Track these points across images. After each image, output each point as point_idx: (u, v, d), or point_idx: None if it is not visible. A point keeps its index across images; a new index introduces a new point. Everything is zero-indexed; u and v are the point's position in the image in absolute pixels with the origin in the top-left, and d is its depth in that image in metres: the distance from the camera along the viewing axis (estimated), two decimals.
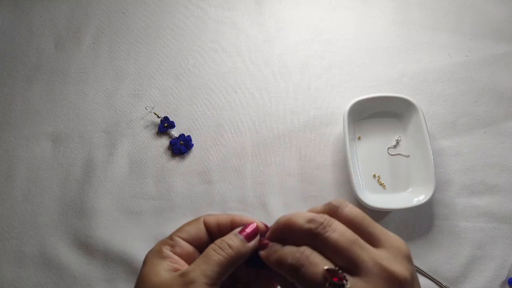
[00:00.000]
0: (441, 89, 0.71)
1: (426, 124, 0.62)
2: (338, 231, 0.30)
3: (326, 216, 0.31)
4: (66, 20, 0.78)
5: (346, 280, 0.28)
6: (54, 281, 0.60)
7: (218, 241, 0.33)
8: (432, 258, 0.61)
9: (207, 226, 0.36)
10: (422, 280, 0.60)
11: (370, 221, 0.31)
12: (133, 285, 0.34)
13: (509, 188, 0.65)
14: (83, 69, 0.74)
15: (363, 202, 0.59)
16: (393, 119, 0.67)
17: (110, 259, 0.61)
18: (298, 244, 0.31)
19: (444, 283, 0.60)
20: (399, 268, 0.28)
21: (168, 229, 0.62)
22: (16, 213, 0.64)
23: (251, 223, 0.35)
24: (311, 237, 0.30)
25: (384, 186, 0.64)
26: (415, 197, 0.60)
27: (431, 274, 0.60)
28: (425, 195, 0.59)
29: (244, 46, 0.75)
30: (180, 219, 0.64)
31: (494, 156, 0.67)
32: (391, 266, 0.28)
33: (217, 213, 0.37)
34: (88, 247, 0.62)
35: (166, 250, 0.33)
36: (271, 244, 0.33)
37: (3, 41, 0.76)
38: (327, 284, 0.27)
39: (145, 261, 0.34)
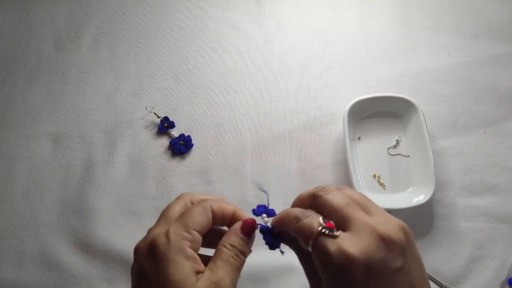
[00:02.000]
0: (441, 89, 0.71)
1: (426, 124, 0.62)
2: (336, 196, 0.33)
3: (329, 184, 0.35)
4: (66, 20, 0.78)
5: (337, 230, 0.31)
6: (54, 281, 0.60)
7: (230, 247, 0.34)
8: (432, 258, 0.61)
9: (213, 215, 0.35)
10: None
11: (368, 199, 0.34)
12: None
13: (509, 188, 0.65)
14: (83, 69, 0.74)
15: None
16: (393, 119, 0.67)
17: (110, 259, 0.61)
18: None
19: (444, 283, 0.60)
20: (385, 230, 0.30)
21: None
22: (16, 213, 0.64)
23: (249, 220, 0.36)
24: (313, 199, 0.34)
25: (384, 186, 0.64)
26: (415, 197, 0.60)
27: (431, 274, 0.60)
28: (425, 195, 0.59)
29: (244, 46, 0.75)
30: None
31: (494, 156, 0.67)
32: (378, 227, 0.30)
33: (214, 198, 0.37)
34: (88, 247, 0.62)
35: (189, 249, 0.32)
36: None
37: (3, 41, 0.76)
38: (320, 228, 0.31)
39: (167, 256, 0.31)
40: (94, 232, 0.62)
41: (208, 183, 0.66)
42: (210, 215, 0.34)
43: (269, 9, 0.78)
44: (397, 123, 0.67)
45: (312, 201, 0.34)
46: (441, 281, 0.60)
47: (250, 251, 0.35)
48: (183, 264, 0.31)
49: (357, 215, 0.31)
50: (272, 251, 0.37)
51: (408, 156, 0.66)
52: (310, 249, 0.31)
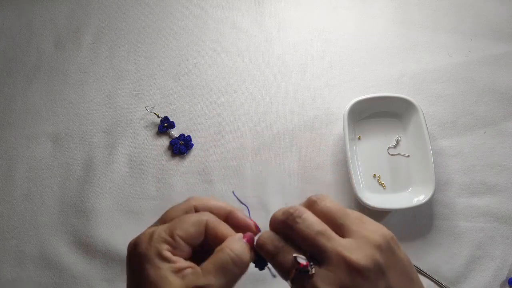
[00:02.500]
0: (441, 89, 0.71)
1: (426, 124, 0.62)
2: (307, 222, 0.32)
3: (298, 207, 0.33)
4: (66, 20, 0.78)
5: (312, 268, 0.30)
6: (54, 281, 0.60)
7: (233, 255, 0.32)
8: (432, 258, 0.61)
9: (206, 231, 0.33)
10: (422, 280, 0.60)
11: (343, 213, 0.33)
12: None
13: (509, 188, 0.65)
14: (83, 69, 0.74)
15: (363, 202, 0.59)
16: (393, 119, 0.67)
17: (110, 259, 0.61)
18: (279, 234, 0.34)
19: (444, 283, 0.60)
20: (358, 257, 0.29)
21: None
22: (16, 213, 0.64)
23: (248, 234, 0.34)
24: (285, 227, 0.33)
25: (384, 186, 0.64)
26: (415, 197, 0.60)
27: (431, 274, 0.60)
28: (425, 195, 0.59)
29: (244, 46, 0.75)
30: None
31: (494, 156, 0.67)
32: (350, 255, 0.30)
33: (212, 211, 0.35)
34: (88, 247, 0.62)
35: (168, 253, 0.31)
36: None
37: (3, 41, 0.76)
38: (294, 270, 0.30)
39: (146, 258, 0.31)
40: (94, 232, 0.62)
41: (208, 183, 0.66)
42: (202, 229, 0.33)
43: (269, 9, 0.78)
44: (397, 123, 0.67)
45: (284, 229, 0.33)
46: (441, 281, 0.60)
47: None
48: (160, 265, 0.30)
49: (329, 245, 0.30)
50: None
51: (408, 156, 0.66)
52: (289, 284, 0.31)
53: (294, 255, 0.31)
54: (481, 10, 0.77)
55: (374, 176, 0.65)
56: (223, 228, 0.34)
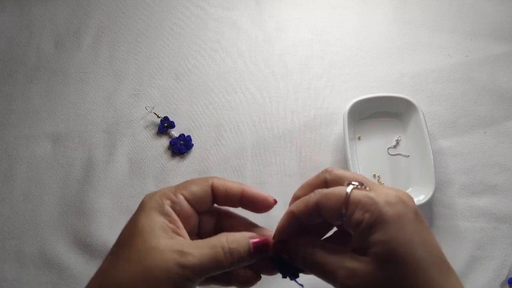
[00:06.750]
0: (441, 89, 0.71)
1: (426, 124, 0.62)
2: (347, 171, 0.35)
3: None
4: (66, 20, 0.78)
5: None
6: (54, 281, 0.60)
7: (232, 244, 0.31)
8: None
9: (214, 191, 0.34)
10: None
11: (361, 176, 0.35)
12: None
13: (509, 188, 0.65)
14: (83, 69, 0.73)
15: None
16: (393, 119, 0.67)
17: None
18: None
19: None
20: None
21: None
22: (16, 213, 0.64)
23: (266, 236, 0.34)
24: (326, 173, 0.36)
25: None
26: (415, 197, 0.60)
27: None
28: (425, 195, 0.59)
29: (244, 46, 0.75)
30: None
31: (494, 156, 0.67)
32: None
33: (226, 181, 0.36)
34: (88, 247, 0.62)
35: (167, 206, 0.32)
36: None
37: (3, 41, 0.76)
38: (353, 186, 0.31)
39: (143, 208, 0.32)
40: (94, 232, 0.62)
41: None
42: (207, 188, 0.34)
43: (269, 9, 0.78)
44: (397, 123, 0.67)
45: (325, 177, 0.35)
46: None
47: (246, 263, 0.33)
48: (154, 217, 0.31)
49: (373, 182, 0.33)
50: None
51: (408, 156, 0.66)
52: (344, 210, 0.31)
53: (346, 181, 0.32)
54: (481, 10, 0.77)
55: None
56: (232, 184, 0.35)
